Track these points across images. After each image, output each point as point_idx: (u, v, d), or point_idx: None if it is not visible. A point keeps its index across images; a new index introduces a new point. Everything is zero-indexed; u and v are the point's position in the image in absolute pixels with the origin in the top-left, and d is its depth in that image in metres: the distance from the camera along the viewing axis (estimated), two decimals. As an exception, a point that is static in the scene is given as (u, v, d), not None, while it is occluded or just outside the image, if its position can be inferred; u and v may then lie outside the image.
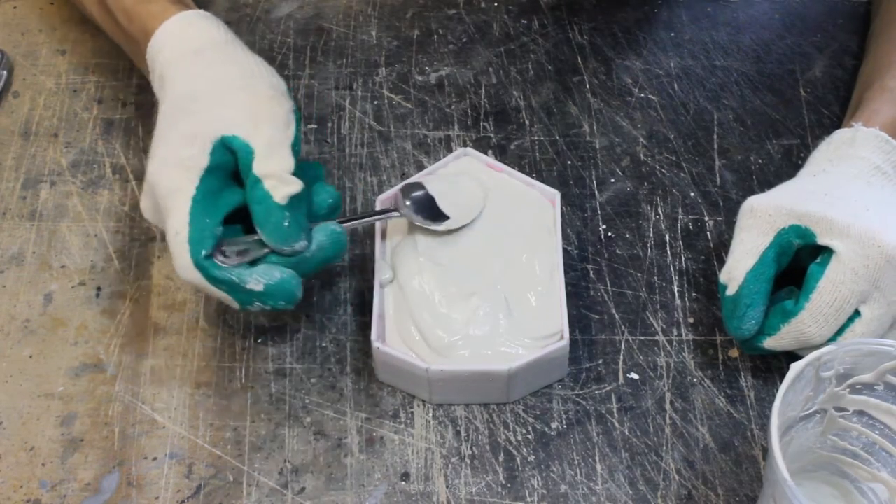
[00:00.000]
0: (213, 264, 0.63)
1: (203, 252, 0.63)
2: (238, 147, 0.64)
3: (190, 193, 0.63)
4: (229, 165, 0.65)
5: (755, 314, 0.65)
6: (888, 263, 0.64)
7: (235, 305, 0.65)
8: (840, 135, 0.71)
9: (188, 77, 0.68)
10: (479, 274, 0.70)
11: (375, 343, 0.66)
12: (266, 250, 0.65)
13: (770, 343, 0.66)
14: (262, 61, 0.70)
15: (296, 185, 0.64)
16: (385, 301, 0.69)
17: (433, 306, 0.68)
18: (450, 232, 0.71)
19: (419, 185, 0.72)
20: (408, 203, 0.71)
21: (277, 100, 0.67)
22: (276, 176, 0.64)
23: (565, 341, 0.66)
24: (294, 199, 0.64)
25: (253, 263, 0.65)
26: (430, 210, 0.71)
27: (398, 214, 0.71)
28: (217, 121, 0.65)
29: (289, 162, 0.65)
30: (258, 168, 0.64)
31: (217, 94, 0.67)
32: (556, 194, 0.73)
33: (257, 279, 0.64)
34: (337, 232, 0.67)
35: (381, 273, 0.70)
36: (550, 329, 0.67)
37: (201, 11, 0.72)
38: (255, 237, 0.65)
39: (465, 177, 0.73)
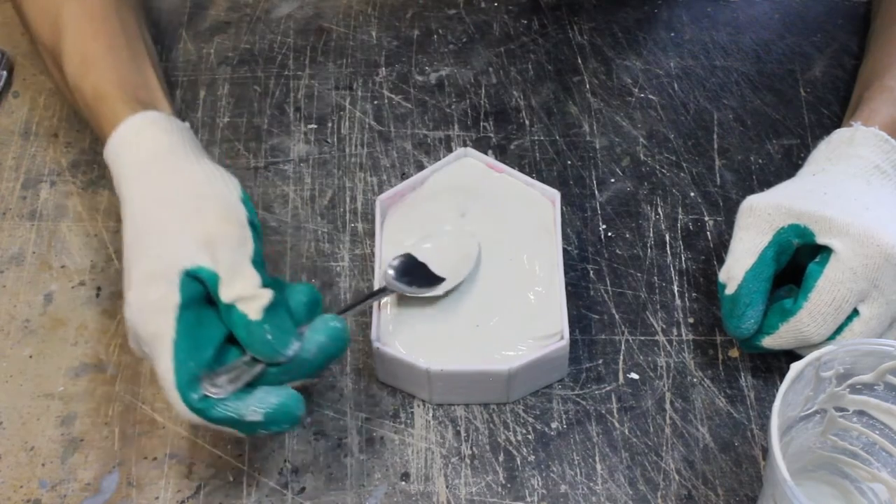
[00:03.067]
0: (209, 405, 0.59)
1: (195, 396, 0.59)
2: (205, 276, 0.61)
3: (170, 337, 0.59)
4: (203, 294, 0.62)
5: (754, 313, 0.65)
6: (887, 262, 0.64)
7: (244, 436, 0.63)
8: (839, 134, 0.71)
9: (138, 198, 0.65)
10: (480, 274, 0.70)
11: (375, 343, 0.66)
12: (260, 366, 0.60)
13: (769, 342, 0.66)
14: (211, 167, 0.67)
15: (266, 297, 0.60)
16: (385, 301, 0.69)
17: (432, 306, 0.68)
18: (447, 294, 0.69)
19: (408, 256, 0.70)
20: (398, 276, 0.69)
21: (228, 217, 0.63)
22: (246, 296, 0.60)
23: (565, 341, 0.66)
24: (270, 310, 0.60)
25: (253, 384, 0.60)
26: (424, 277, 0.70)
27: (390, 293, 0.68)
28: (174, 254, 0.62)
29: (254, 279, 0.61)
30: (225, 294, 0.61)
31: (168, 223, 0.63)
32: (556, 194, 0.73)
33: (255, 409, 0.59)
34: (336, 328, 0.62)
35: (381, 273, 0.70)
36: (550, 329, 0.67)
37: (150, 113, 0.68)
38: (246, 357, 0.61)
39: (454, 230, 0.72)
